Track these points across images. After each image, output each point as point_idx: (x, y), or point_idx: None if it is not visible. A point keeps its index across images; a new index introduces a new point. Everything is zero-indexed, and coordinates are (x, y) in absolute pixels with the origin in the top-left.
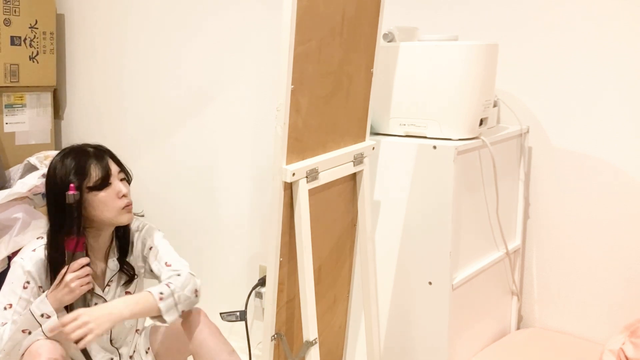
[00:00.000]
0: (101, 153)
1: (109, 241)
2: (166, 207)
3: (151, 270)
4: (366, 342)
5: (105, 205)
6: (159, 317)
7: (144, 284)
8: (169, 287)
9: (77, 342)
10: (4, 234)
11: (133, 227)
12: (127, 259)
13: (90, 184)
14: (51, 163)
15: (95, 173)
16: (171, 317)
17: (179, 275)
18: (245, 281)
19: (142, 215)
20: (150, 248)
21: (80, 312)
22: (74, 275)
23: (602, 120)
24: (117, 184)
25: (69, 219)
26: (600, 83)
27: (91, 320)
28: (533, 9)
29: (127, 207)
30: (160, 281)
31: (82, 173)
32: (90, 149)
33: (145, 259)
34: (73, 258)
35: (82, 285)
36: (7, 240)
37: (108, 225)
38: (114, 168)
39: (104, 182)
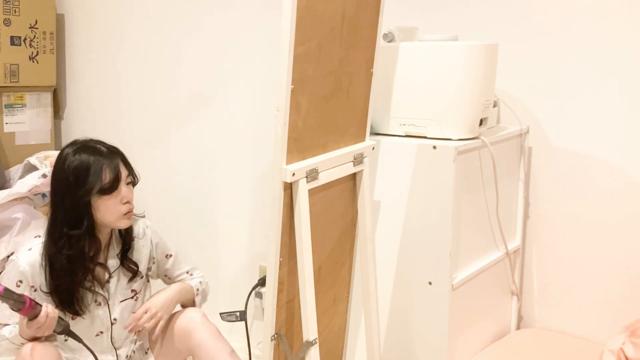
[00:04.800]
0: (113, 155)
1: (108, 238)
2: (166, 206)
3: (165, 275)
4: (366, 342)
5: (107, 209)
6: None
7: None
8: (202, 285)
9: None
10: (4, 234)
11: (136, 226)
12: (129, 255)
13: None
14: (62, 154)
15: (105, 176)
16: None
17: (201, 280)
18: (245, 281)
19: (143, 216)
20: (167, 256)
21: (148, 305)
22: (45, 328)
23: (602, 120)
24: (123, 190)
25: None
26: (600, 83)
27: (159, 309)
28: (533, 8)
29: (128, 213)
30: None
31: (94, 174)
32: (104, 149)
33: (158, 263)
34: (34, 319)
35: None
36: (7, 240)
37: (105, 227)
38: (123, 173)
39: (112, 187)
